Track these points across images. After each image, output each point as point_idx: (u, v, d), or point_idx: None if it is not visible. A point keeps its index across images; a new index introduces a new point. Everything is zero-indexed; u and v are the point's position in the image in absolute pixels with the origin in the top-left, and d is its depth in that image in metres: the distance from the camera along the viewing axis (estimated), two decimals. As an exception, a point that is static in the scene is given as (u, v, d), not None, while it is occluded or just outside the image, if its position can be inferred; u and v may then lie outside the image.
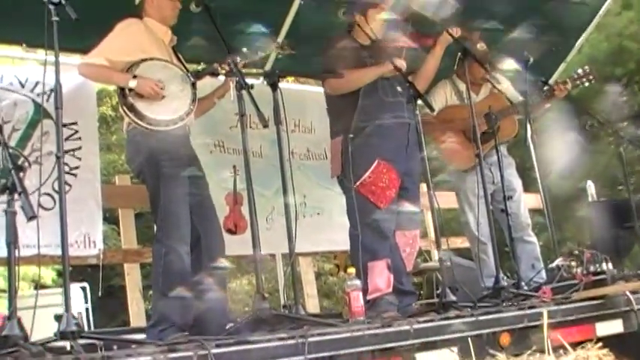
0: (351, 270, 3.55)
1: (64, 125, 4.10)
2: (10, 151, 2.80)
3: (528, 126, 4.66)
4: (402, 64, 4.02)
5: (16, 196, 2.61)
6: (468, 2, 4.55)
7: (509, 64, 4.97)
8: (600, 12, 6.72)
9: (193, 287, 3.73)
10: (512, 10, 5.91)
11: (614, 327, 3.77)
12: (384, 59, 4.03)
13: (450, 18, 4.25)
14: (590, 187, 6.64)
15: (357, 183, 3.92)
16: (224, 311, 3.93)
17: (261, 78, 3.84)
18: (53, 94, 2.92)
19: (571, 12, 6.51)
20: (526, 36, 5.68)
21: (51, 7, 2.87)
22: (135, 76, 3.68)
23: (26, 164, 4.41)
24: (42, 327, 2.80)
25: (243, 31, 4.82)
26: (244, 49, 3.91)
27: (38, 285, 3.38)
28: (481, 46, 4.79)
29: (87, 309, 9.01)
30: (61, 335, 2.54)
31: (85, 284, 8.92)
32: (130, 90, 3.67)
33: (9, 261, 2.56)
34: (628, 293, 3.84)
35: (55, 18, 2.87)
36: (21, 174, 2.73)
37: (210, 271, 3.81)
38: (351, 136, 3.97)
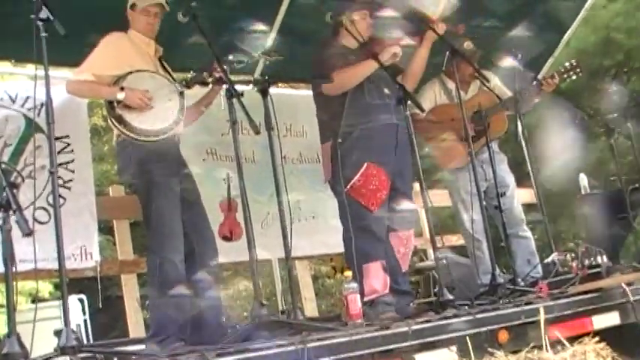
0: (348, 273, 3.56)
1: (56, 139, 4.11)
2: (3, 166, 2.80)
3: (519, 122, 4.68)
4: (397, 50, 4.01)
5: (11, 212, 2.61)
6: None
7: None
8: (586, 5, 6.76)
9: (188, 293, 3.74)
10: (500, 7, 5.95)
11: (610, 319, 3.80)
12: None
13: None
14: (583, 179, 6.66)
15: (348, 187, 3.93)
16: (219, 314, 3.95)
17: (251, 85, 3.84)
18: (44, 108, 2.93)
19: (558, 7, 6.55)
20: (514, 33, 5.72)
21: (39, 23, 2.89)
22: (122, 88, 3.69)
23: (19, 179, 4.40)
24: (41, 340, 2.81)
25: (231, 39, 4.83)
26: (231, 57, 3.92)
27: (36, 300, 3.38)
28: (468, 44, 4.82)
29: (85, 320, 8.97)
30: (62, 351, 2.55)
31: (83, 296, 8.87)
32: (118, 102, 3.69)
33: (6, 278, 2.56)
34: (623, 285, 3.86)
35: (43, 34, 2.88)
36: (15, 190, 2.73)
37: (202, 275, 3.83)
38: (340, 140, 3.98)
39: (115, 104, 3.70)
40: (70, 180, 4.78)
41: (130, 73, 3.78)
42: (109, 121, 3.88)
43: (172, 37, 4.16)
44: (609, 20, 10.11)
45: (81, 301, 8.94)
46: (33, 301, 6.01)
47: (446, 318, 3.24)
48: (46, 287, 9.57)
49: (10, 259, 2.57)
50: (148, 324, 4.15)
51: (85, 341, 5.42)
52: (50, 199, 4.38)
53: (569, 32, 6.93)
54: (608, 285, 3.86)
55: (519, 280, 4.20)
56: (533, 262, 4.87)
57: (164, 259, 3.69)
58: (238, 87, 3.53)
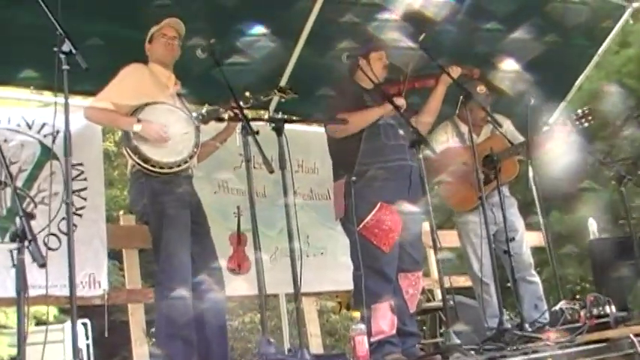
0: (356, 314, 3.56)
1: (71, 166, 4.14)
2: (17, 192, 2.81)
3: (530, 168, 4.69)
4: (401, 103, 4.07)
5: (25, 242, 2.62)
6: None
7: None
8: (599, 51, 6.82)
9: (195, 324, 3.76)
10: (514, 50, 6.01)
11: (618, 370, 3.77)
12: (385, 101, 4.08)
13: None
14: (592, 224, 6.65)
15: (360, 226, 3.93)
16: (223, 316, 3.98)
17: (266, 122, 3.89)
18: (63, 141, 2.95)
19: (571, 52, 6.61)
20: (527, 76, 5.77)
21: (62, 56, 2.92)
22: (139, 120, 3.73)
23: (32, 205, 4.44)
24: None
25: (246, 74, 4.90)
26: (247, 94, 3.97)
27: (47, 327, 3.39)
28: (481, 89, 4.85)
29: (88, 345, 8.97)
30: (70, 384, 2.54)
31: (86, 320, 8.88)
32: (135, 133, 3.73)
33: (19, 309, 2.56)
34: (632, 336, 3.84)
35: (65, 67, 2.92)
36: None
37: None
38: (354, 178, 3.99)
39: (132, 135, 3.75)
40: (82, 207, 4.79)
41: (147, 104, 3.83)
42: (124, 150, 3.92)
43: (190, 71, 4.21)
44: (621, 65, 10.16)
45: (84, 325, 8.94)
46: (37, 324, 6.02)
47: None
48: (50, 310, 9.57)
49: (23, 290, 2.58)
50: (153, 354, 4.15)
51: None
52: (61, 226, 4.45)
53: (581, 77, 6.99)
54: (617, 335, 3.84)
55: (526, 325, 4.18)
56: (540, 307, 4.85)
57: (172, 291, 3.70)
58: (253, 124, 3.56)
